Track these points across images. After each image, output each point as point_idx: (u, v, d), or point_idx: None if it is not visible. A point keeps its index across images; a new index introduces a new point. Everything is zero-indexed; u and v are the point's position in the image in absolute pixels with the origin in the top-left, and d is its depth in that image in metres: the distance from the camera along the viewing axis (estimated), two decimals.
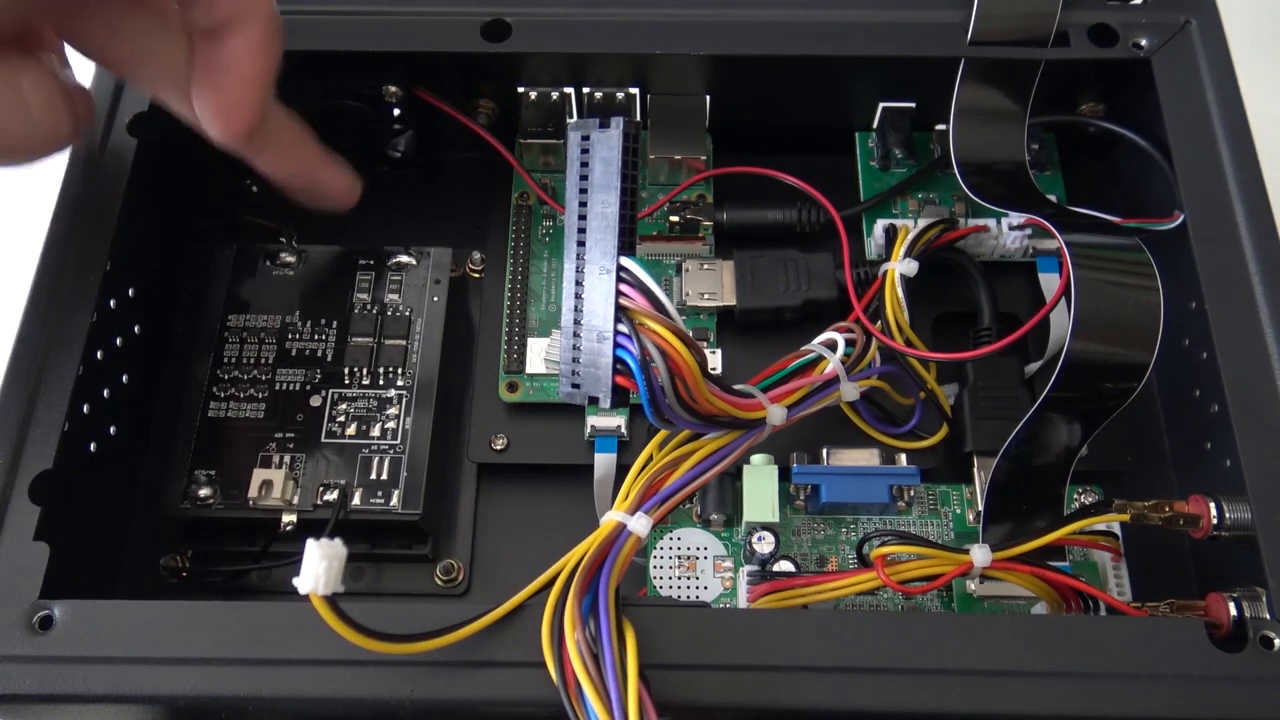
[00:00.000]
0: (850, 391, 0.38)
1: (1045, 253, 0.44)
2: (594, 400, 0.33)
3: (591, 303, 0.32)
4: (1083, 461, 0.37)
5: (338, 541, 0.27)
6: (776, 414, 0.35)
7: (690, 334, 0.32)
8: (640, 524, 0.32)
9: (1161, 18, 0.42)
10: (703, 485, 0.34)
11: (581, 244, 0.32)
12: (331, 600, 0.28)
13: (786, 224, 0.45)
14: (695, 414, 0.33)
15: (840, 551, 0.40)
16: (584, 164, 0.33)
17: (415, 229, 0.45)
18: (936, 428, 0.41)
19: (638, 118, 0.44)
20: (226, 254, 0.43)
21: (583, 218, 0.32)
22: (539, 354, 0.42)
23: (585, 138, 0.33)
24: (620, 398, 0.32)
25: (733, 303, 0.43)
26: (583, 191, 0.33)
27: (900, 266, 0.41)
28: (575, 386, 0.33)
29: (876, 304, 0.41)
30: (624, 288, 0.32)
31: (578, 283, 0.32)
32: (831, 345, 0.38)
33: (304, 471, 0.39)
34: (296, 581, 0.27)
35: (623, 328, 0.31)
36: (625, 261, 0.32)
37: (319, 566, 0.27)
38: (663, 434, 0.35)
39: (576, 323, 0.32)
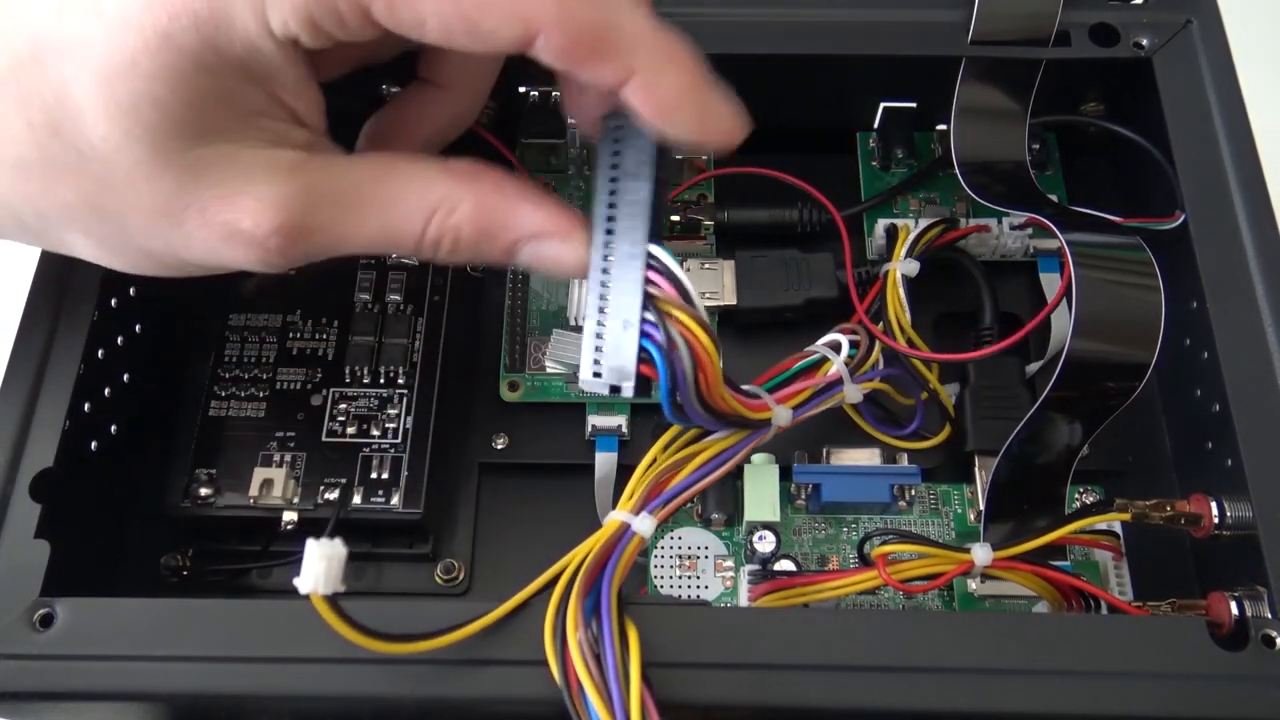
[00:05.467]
0: (854, 394, 0.38)
1: (1046, 252, 0.44)
2: (615, 389, 0.32)
3: (618, 290, 0.31)
4: (1084, 461, 0.37)
5: (338, 541, 0.27)
6: (782, 415, 0.35)
7: (714, 328, 0.31)
8: (644, 524, 0.32)
9: (1163, 17, 0.42)
10: (708, 486, 0.34)
11: (610, 231, 0.32)
12: (332, 600, 0.28)
13: (787, 224, 0.45)
14: (709, 410, 0.33)
15: (841, 551, 0.40)
16: (615, 151, 0.32)
17: None
18: (939, 428, 0.41)
19: None
20: None
21: (612, 205, 0.32)
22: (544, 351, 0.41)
23: (619, 126, 0.32)
24: (642, 387, 0.32)
25: (733, 303, 0.43)
26: (613, 180, 0.32)
27: (901, 266, 0.41)
28: (597, 375, 0.32)
29: (878, 304, 0.41)
30: (653, 275, 0.31)
31: (604, 270, 0.32)
32: (835, 347, 0.38)
33: (305, 471, 0.39)
34: (297, 581, 0.27)
35: (650, 315, 0.31)
36: (655, 249, 0.31)
37: (319, 566, 0.27)
38: (667, 435, 0.35)
39: (601, 310, 0.31)
